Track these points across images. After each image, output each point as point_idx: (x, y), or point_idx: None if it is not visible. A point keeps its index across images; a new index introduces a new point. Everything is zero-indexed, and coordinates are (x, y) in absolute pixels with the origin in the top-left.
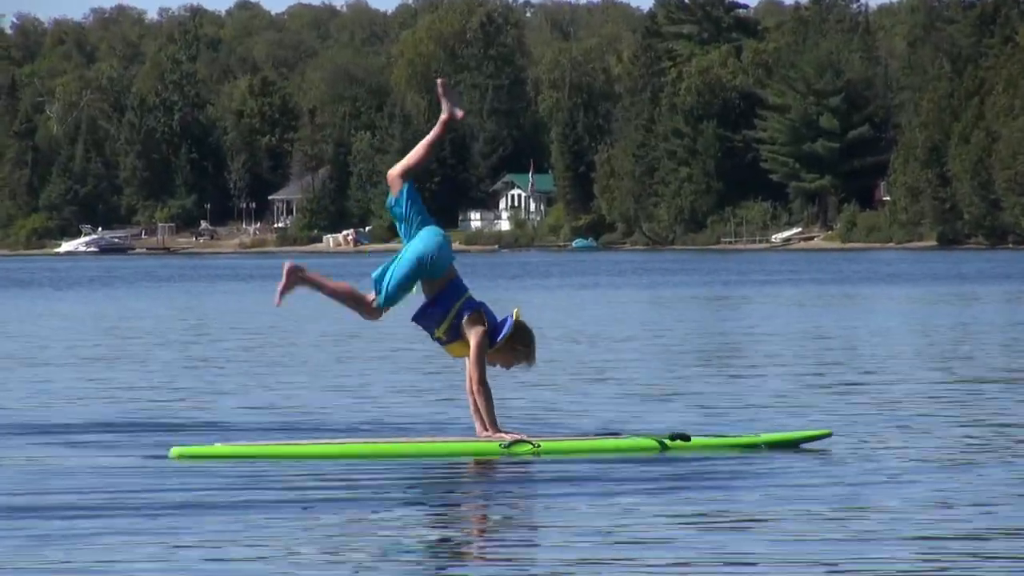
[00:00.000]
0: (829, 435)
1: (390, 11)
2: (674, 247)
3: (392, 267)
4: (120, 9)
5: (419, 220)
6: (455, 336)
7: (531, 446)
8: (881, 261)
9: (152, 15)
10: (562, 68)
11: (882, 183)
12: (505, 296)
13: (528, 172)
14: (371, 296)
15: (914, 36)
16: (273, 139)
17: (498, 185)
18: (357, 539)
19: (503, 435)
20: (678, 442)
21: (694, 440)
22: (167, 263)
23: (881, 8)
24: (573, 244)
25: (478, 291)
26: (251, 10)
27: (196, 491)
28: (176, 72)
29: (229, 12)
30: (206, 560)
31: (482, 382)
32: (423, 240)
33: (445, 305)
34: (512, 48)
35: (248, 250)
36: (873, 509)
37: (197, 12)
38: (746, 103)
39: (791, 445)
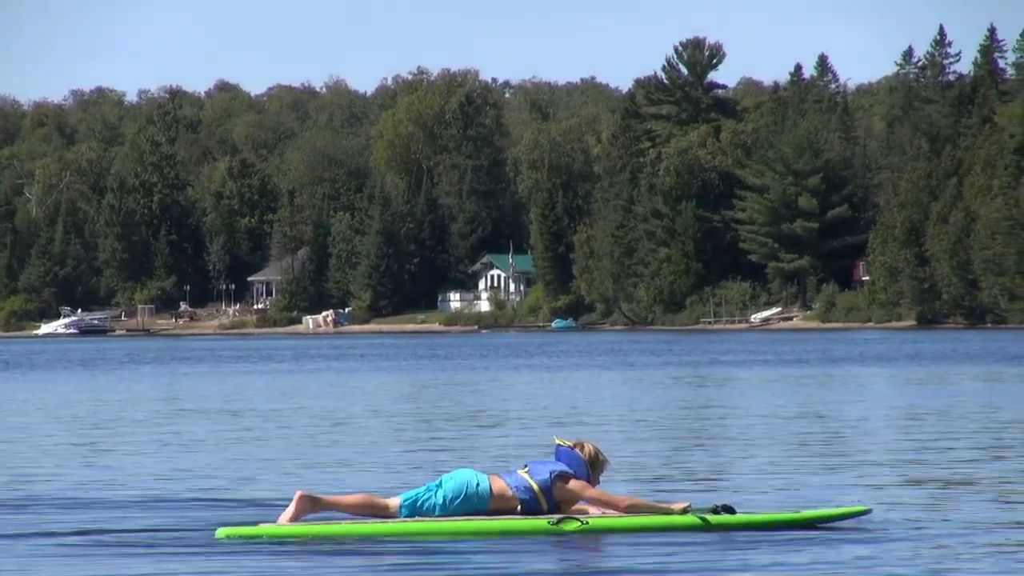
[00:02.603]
0: (869, 512)
1: (369, 92)
2: (653, 327)
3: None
4: (99, 91)
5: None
6: (556, 504)
7: (579, 523)
8: (861, 341)
9: (131, 97)
10: (541, 148)
11: (861, 263)
12: (491, 376)
13: (507, 252)
14: (392, 505)
15: (892, 116)
16: (252, 220)
17: (477, 266)
18: None
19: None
20: (723, 516)
21: (738, 516)
22: (151, 345)
23: (859, 88)
24: (553, 324)
25: (464, 371)
26: (230, 91)
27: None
28: (155, 154)
29: (208, 93)
30: None
31: (625, 506)
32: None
33: (530, 504)
34: (491, 128)
35: (228, 331)
36: None
37: (176, 94)
38: (725, 183)
39: (830, 521)
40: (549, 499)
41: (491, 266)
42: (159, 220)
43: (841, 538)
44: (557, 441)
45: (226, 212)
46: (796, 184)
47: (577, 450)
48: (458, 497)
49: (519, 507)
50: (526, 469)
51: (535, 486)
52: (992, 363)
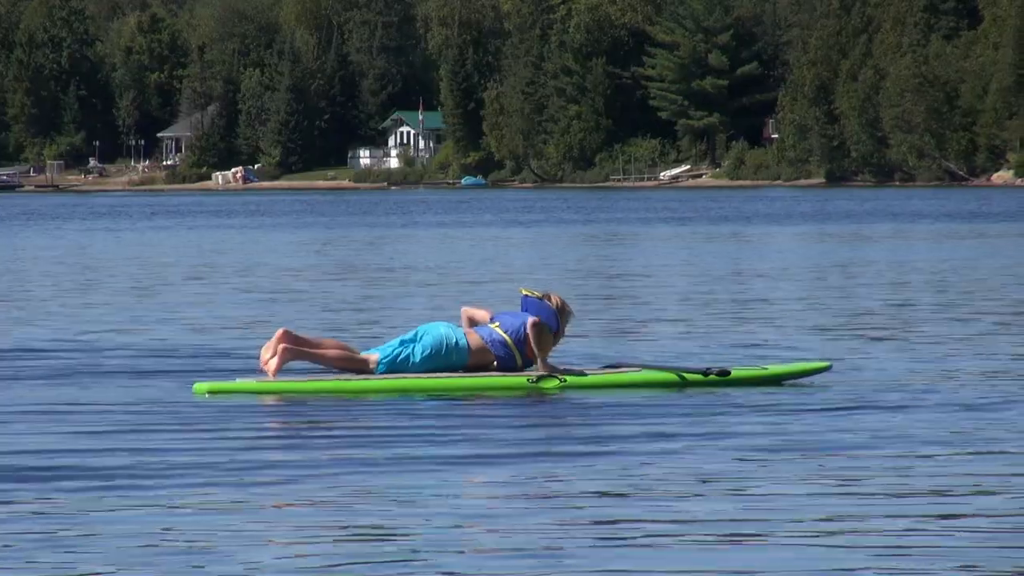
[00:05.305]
0: (829, 367)
1: None
2: (563, 184)
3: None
4: None
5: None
6: (529, 360)
7: (557, 380)
8: (771, 199)
9: None
10: (451, 5)
11: (770, 121)
12: (398, 233)
13: (417, 109)
14: (371, 360)
15: None
16: (162, 76)
17: (387, 122)
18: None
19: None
20: (696, 374)
21: (710, 375)
22: (62, 201)
23: None
24: (462, 182)
25: (372, 229)
26: None
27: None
28: (64, 9)
29: None
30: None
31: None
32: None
33: (505, 360)
34: None
35: (137, 188)
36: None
37: None
38: (635, 40)
39: (793, 378)
40: (523, 354)
41: (401, 123)
42: (68, 75)
43: (803, 399)
44: (524, 292)
45: (136, 68)
46: (706, 41)
47: (545, 300)
48: (438, 353)
49: (495, 363)
50: (496, 324)
51: (509, 340)
52: (903, 221)
